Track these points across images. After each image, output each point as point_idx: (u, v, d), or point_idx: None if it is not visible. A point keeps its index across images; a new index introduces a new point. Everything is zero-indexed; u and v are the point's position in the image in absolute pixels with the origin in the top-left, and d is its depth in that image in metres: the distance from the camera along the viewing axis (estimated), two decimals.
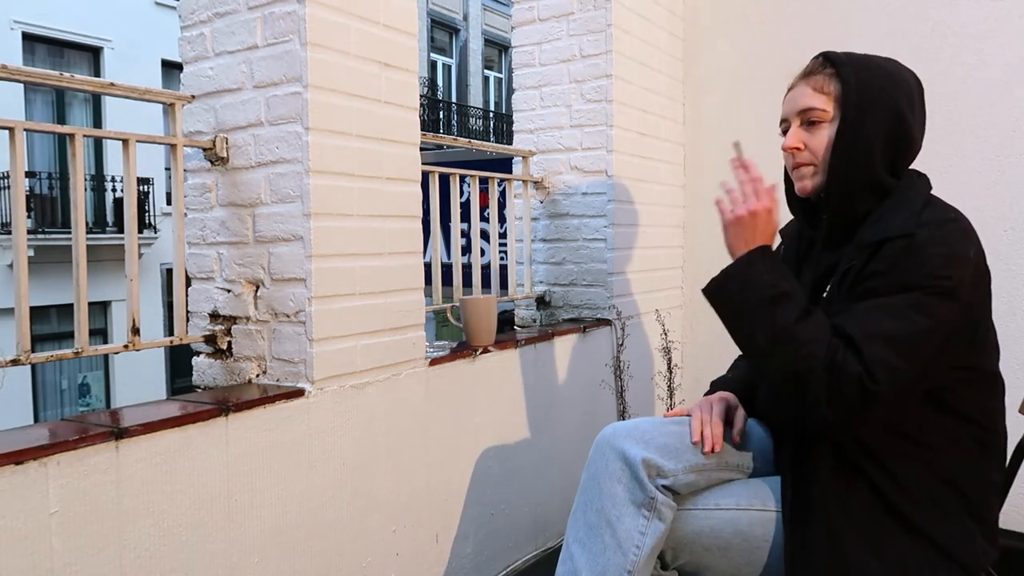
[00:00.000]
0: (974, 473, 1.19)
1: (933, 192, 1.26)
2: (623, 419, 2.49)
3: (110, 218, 11.38)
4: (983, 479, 1.21)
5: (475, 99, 16.91)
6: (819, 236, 1.33)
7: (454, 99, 16.54)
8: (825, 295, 1.25)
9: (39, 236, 10.13)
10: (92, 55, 11.72)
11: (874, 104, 1.22)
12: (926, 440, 1.17)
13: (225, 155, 1.63)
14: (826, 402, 1.10)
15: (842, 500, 1.17)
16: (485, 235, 2.62)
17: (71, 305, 1.42)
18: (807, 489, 1.21)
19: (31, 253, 8.81)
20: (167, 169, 9.35)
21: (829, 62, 1.27)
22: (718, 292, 1.24)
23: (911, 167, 1.28)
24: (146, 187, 11.42)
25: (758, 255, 1.22)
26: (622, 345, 2.55)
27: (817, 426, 1.17)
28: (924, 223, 1.14)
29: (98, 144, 11.17)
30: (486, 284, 2.45)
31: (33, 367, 10.41)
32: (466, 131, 15.83)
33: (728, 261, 1.25)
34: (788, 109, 1.31)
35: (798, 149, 1.28)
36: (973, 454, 1.19)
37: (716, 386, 1.46)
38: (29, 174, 10.26)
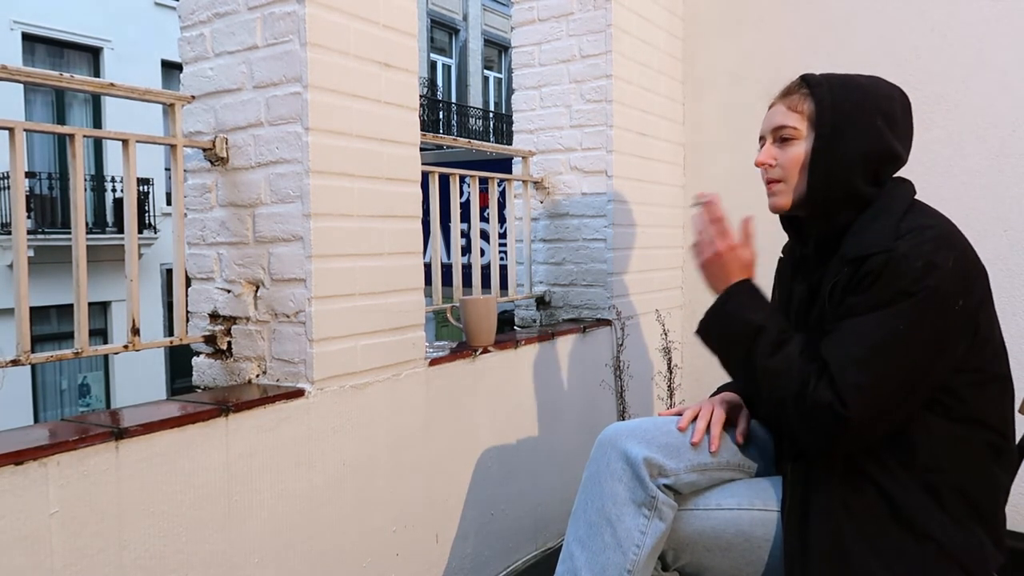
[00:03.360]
0: (984, 479, 1.19)
1: (918, 196, 1.26)
2: (623, 419, 2.49)
3: (110, 218, 11.37)
4: (993, 485, 1.20)
5: (475, 99, 16.91)
6: (808, 250, 1.35)
7: (454, 99, 16.54)
8: (816, 310, 1.26)
9: (39, 236, 10.13)
10: (92, 55, 11.72)
11: (849, 122, 1.24)
12: (934, 446, 1.16)
13: (225, 155, 1.63)
14: (801, 431, 1.17)
15: (846, 504, 1.17)
16: (485, 235, 2.62)
17: (71, 305, 1.42)
18: (808, 492, 1.21)
19: (31, 253, 8.81)
20: (167, 169, 9.32)
21: (805, 83, 1.30)
22: (703, 336, 1.34)
23: (898, 173, 1.29)
24: (146, 187, 11.42)
25: (729, 294, 1.30)
26: (622, 345, 2.55)
27: (804, 449, 1.22)
28: (902, 234, 1.15)
29: (98, 144, 11.16)
30: (486, 284, 2.45)
31: (33, 367, 10.41)
32: (466, 131, 15.82)
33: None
34: (765, 127, 1.34)
35: (769, 165, 1.32)
36: (984, 460, 1.19)
37: (722, 390, 1.47)
38: (29, 174, 10.26)
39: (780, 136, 1.31)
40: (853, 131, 1.23)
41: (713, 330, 1.31)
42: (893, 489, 1.16)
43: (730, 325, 1.27)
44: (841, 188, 1.24)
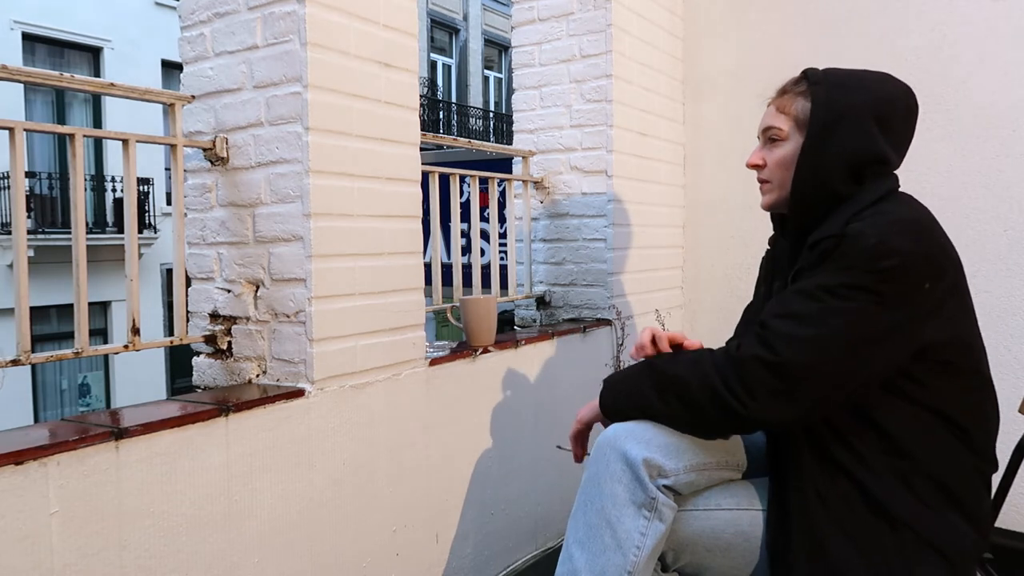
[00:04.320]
0: (955, 465, 1.18)
1: (921, 197, 1.26)
2: None
3: (110, 218, 11.38)
4: (966, 470, 1.19)
5: (475, 99, 16.91)
6: (786, 245, 1.36)
7: (454, 99, 16.54)
8: None
9: (39, 236, 10.13)
10: (92, 55, 11.72)
11: (839, 122, 1.23)
12: (900, 432, 1.17)
13: (225, 155, 1.63)
14: (744, 397, 1.14)
15: (820, 495, 1.17)
16: (485, 235, 2.62)
17: (71, 305, 1.42)
18: (786, 487, 1.21)
19: (31, 253, 8.81)
20: (167, 169, 9.33)
21: (805, 79, 1.29)
22: (611, 407, 1.33)
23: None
24: (146, 187, 11.42)
25: (604, 388, 1.35)
26: (622, 345, 2.55)
27: (762, 423, 1.20)
28: (860, 219, 1.16)
29: (98, 144, 11.16)
30: (486, 284, 2.45)
31: (33, 367, 10.41)
32: (466, 131, 15.82)
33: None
34: (760, 127, 1.35)
35: (757, 166, 1.34)
36: (952, 446, 1.18)
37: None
38: (29, 174, 10.26)
39: (768, 137, 1.32)
40: (842, 132, 1.23)
41: (621, 401, 1.31)
42: (866, 478, 1.16)
43: (625, 385, 1.31)
44: (821, 188, 1.24)
